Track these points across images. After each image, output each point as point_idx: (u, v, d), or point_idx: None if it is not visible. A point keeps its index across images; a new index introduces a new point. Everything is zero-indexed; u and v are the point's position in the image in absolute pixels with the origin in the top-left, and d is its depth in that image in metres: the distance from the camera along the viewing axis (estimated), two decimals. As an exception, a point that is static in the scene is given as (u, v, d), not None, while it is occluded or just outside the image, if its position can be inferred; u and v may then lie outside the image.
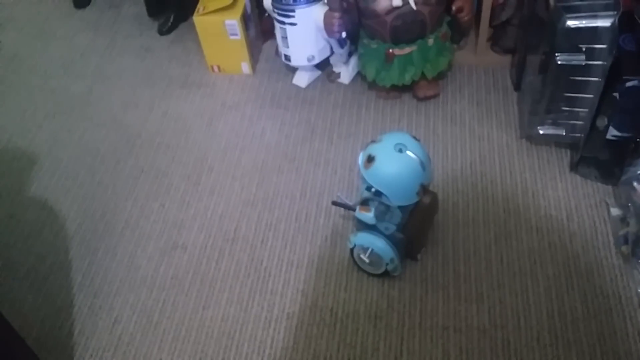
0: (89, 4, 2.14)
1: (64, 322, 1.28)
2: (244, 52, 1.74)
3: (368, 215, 1.16)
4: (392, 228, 1.20)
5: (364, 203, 1.18)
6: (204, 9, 1.68)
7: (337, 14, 1.44)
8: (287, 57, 1.66)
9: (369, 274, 1.29)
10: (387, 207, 1.17)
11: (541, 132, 1.43)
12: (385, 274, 1.27)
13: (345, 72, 1.73)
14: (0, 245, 1.43)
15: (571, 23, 1.21)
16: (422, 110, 1.63)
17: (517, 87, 1.63)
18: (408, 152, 1.11)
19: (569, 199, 1.37)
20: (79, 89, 1.83)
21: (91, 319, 1.28)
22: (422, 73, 1.56)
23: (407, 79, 1.56)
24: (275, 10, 1.57)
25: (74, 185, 1.55)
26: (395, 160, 1.12)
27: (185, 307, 1.28)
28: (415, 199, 1.16)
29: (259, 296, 1.28)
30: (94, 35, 2.02)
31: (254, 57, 1.81)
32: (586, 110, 1.33)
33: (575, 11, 1.21)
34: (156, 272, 1.35)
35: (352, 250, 1.27)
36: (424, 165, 1.13)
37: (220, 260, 1.36)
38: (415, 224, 1.21)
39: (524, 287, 1.24)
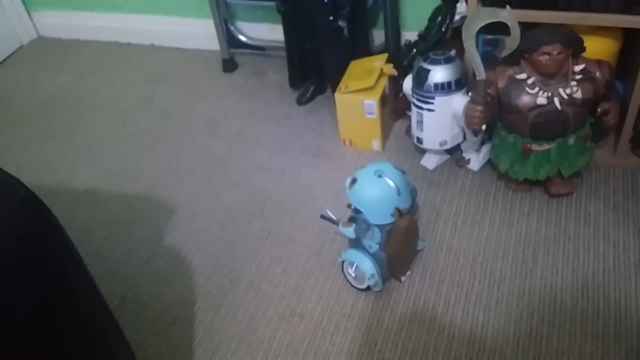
0: (236, 69, 2.32)
1: (183, 373, 1.34)
2: (377, 130, 1.80)
3: (349, 230, 1.35)
4: (375, 247, 1.38)
5: (350, 220, 1.37)
6: (346, 88, 1.76)
7: (480, 107, 1.46)
8: (419, 140, 1.70)
9: (355, 288, 1.45)
10: (368, 225, 1.36)
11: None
12: (367, 289, 1.43)
13: (476, 160, 1.73)
14: (135, 287, 1.54)
15: None
16: (554, 207, 1.59)
17: (659, 194, 1.56)
18: (386, 178, 1.31)
19: None
20: (219, 148, 1.96)
21: (208, 374, 1.33)
22: (558, 170, 1.53)
23: (542, 174, 1.53)
24: (415, 96, 1.62)
25: (206, 239, 1.64)
26: (372, 183, 1.32)
27: (297, 378, 1.30)
28: (390, 220, 1.33)
29: (371, 379, 1.28)
30: (237, 99, 2.17)
31: (385, 135, 1.87)
32: None
33: None
34: (273, 337, 1.38)
35: (342, 263, 1.46)
36: (400, 191, 1.32)
37: (335, 335, 1.37)
38: (393, 244, 1.36)
39: (658, 416, 1.15)
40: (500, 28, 1.41)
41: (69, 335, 0.99)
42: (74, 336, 1.00)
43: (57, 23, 2.69)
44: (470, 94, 1.51)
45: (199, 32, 2.39)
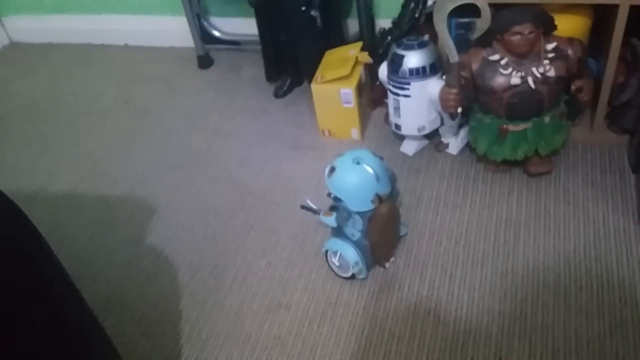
0: (211, 65, 2.30)
1: (171, 371, 1.34)
2: (355, 119, 1.80)
3: (330, 219, 1.36)
4: (358, 235, 1.38)
5: (331, 209, 1.38)
6: (322, 78, 1.76)
7: (454, 90, 1.47)
8: (398, 126, 1.70)
9: (340, 277, 1.45)
10: (349, 213, 1.35)
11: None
12: (352, 277, 1.43)
13: (454, 143, 1.74)
14: (119, 290, 1.52)
15: None
16: (533, 186, 1.60)
17: (636, 169, 1.57)
18: (364, 165, 1.31)
19: (694, 294, 1.29)
20: (198, 144, 1.95)
21: (197, 370, 1.33)
22: (536, 149, 1.54)
23: (520, 154, 1.54)
24: (390, 82, 1.62)
25: (189, 236, 1.64)
26: (351, 170, 1.33)
27: (286, 369, 1.30)
28: (370, 207, 1.33)
29: (359, 365, 1.28)
30: (214, 94, 2.16)
31: (363, 124, 1.87)
32: None
33: None
34: (260, 330, 1.38)
35: (326, 253, 1.45)
36: (379, 177, 1.32)
37: (322, 324, 1.37)
38: (375, 230, 1.36)
39: (643, 385, 1.16)
40: (472, 11, 1.41)
41: (50, 341, 0.97)
42: (56, 341, 0.99)
43: (28, 28, 2.65)
44: (444, 77, 1.52)
45: (173, 30, 2.38)
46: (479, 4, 1.38)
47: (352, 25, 2.08)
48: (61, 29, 2.59)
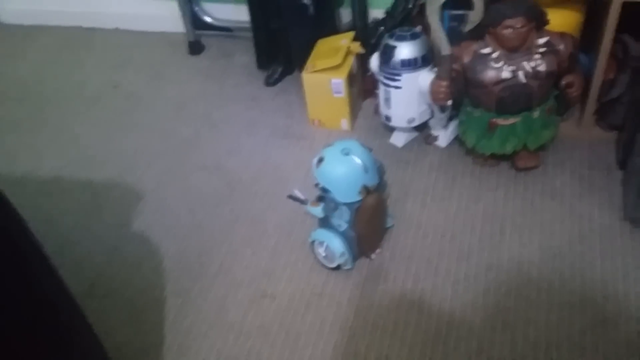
0: (202, 51, 2.28)
1: (153, 359, 1.33)
2: (345, 109, 1.79)
3: (317, 210, 1.36)
4: (344, 225, 1.38)
5: (318, 199, 1.37)
6: (313, 67, 1.75)
7: (445, 83, 1.46)
8: (388, 118, 1.70)
9: (325, 267, 1.44)
10: (336, 204, 1.35)
11: (648, 216, 1.37)
12: (338, 268, 1.43)
13: (443, 136, 1.73)
14: (104, 276, 1.52)
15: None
16: (521, 180, 1.60)
17: (623, 165, 1.58)
18: (352, 156, 1.30)
19: (676, 291, 1.30)
20: (187, 132, 1.93)
21: (179, 359, 1.32)
22: (524, 144, 1.54)
23: (509, 149, 1.55)
24: (382, 73, 1.62)
25: (175, 224, 1.63)
26: (339, 161, 1.31)
27: (269, 359, 1.30)
28: (357, 198, 1.32)
29: (341, 357, 1.28)
30: (204, 81, 2.15)
31: (353, 114, 1.86)
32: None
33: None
34: (244, 319, 1.38)
35: (312, 243, 1.45)
36: (367, 168, 1.31)
37: (306, 314, 1.37)
38: (362, 222, 1.36)
39: (622, 381, 1.17)
40: (465, 3, 1.40)
41: (28, 325, 0.96)
42: (34, 326, 0.98)
43: (18, 9, 2.61)
44: (436, 70, 1.51)
45: (164, 15, 2.35)
46: (471, -3, 1.37)
47: (345, 14, 2.07)
48: (51, 11, 2.55)
